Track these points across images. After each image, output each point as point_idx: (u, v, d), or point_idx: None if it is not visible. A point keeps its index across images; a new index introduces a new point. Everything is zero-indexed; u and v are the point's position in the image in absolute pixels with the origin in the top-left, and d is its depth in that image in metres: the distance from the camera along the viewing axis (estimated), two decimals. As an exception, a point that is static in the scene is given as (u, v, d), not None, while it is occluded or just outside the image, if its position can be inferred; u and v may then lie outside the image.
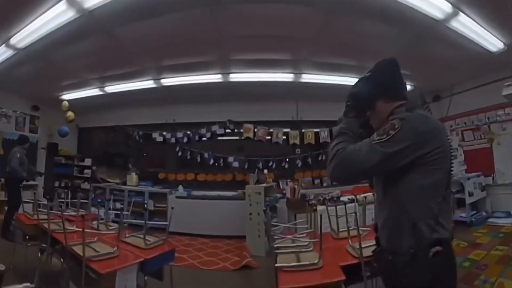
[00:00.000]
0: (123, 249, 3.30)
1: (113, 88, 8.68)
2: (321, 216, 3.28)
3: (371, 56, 6.50)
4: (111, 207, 8.63)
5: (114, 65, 7.28)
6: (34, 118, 9.99)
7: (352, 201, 5.27)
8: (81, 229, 3.07)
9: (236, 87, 8.44)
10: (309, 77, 7.98)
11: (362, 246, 2.64)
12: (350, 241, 3.15)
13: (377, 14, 5.18)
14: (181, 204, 8.23)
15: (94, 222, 4.44)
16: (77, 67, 7.30)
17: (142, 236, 3.69)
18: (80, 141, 11.45)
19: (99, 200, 6.50)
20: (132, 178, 9.47)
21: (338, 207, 4.09)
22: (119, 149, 10.53)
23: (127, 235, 3.88)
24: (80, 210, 5.17)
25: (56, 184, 10.36)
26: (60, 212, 3.61)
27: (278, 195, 7.92)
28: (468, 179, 7.73)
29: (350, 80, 7.72)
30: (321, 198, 5.77)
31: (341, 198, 5.73)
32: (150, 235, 3.87)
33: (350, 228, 3.32)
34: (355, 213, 3.36)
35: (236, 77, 7.90)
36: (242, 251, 6.63)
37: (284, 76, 7.92)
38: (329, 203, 5.05)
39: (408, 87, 7.26)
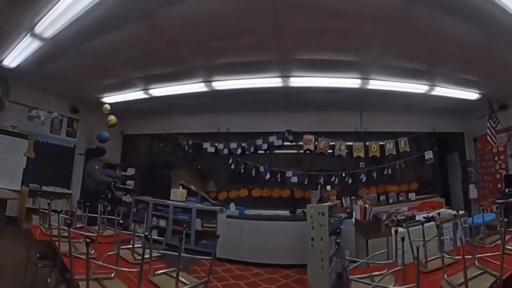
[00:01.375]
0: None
1: (159, 91, 7.90)
2: (403, 240, 2.69)
3: (440, 59, 5.93)
4: (152, 225, 8.29)
5: (159, 61, 6.46)
6: (73, 121, 9.35)
7: (429, 219, 4.75)
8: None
9: (296, 93, 7.62)
10: (376, 83, 7.13)
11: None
12: (445, 275, 2.53)
13: (456, 5, 4.41)
14: (232, 225, 7.59)
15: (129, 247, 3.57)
16: (118, 62, 6.52)
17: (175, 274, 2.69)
18: (124, 149, 10.69)
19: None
20: (177, 192, 8.64)
21: (417, 228, 3.56)
22: (167, 159, 9.88)
23: (156, 272, 2.86)
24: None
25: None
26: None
27: (343, 215, 6.93)
28: None
29: (417, 88, 7.27)
30: (395, 218, 5.07)
31: (417, 217, 5.12)
32: (189, 268, 3.40)
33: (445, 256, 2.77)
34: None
35: (297, 81, 7.01)
36: (302, 286, 5.83)
37: (349, 82, 7.06)
38: (404, 224, 4.43)
39: (476, 95, 7.65)
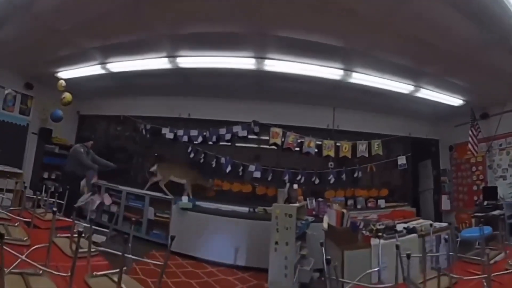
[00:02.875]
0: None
1: (118, 65, 6.97)
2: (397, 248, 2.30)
3: (432, 56, 5.27)
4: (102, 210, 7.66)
5: (118, 26, 5.49)
6: (27, 97, 8.38)
7: (411, 231, 4.54)
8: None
9: (268, 79, 6.81)
10: (359, 77, 6.44)
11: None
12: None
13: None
14: (187, 217, 6.98)
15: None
16: (72, 27, 5.54)
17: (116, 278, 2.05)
18: (80, 130, 9.75)
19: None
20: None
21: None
22: (123, 143, 9.12)
23: (94, 273, 2.22)
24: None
25: (46, 175, 8.76)
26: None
27: (309, 218, 6.23)
28: None
29: (401, 87, 6.76)
30: (373, 228, 4.43)
31: (397, 228, 4.59)
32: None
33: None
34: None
35: (272, 64, 6.16)
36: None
37: (330, 72, 6.31)
38: (385, 235, 4.11)
39: (459, 102, 7.30)
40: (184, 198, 7.18)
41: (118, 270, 2.04)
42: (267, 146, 7.85)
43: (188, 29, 5.38)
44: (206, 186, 7.68)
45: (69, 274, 1.80)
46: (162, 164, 7.82)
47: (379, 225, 4.51)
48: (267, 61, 6.06)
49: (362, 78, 6.41)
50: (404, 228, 4.65)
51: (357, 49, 5.49)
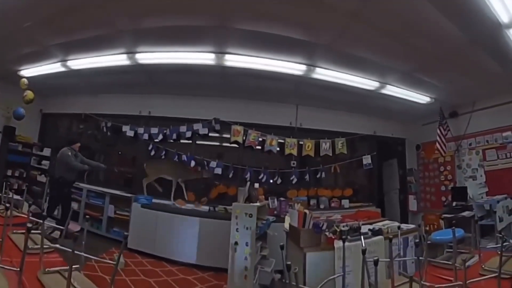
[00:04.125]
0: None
1: (78, 62, 6.68)
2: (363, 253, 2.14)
3: (404, 52, 5.25)
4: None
5: (77, 22, 5.18)
6: (-10, 96, 8.10)
7: (376, 232, 4.33)
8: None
9: (229, 75, 6.54)
10: (322, 73, 6.17)
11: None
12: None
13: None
14: (147, 215, 6.75)
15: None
16: (33, 23, 5.25)
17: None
18: (43, 128, 9.47)
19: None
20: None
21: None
22: (86, 141, 8.61)
23: (47, 270, 2.14)
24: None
25: (9, 173, 8.45)
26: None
27: (271, 218, 5.95)
28: (498, 202, 6.20)
29: (367, 84, 6.50)
30: (337, 229, 4.19)
31: (362, 229, 4.38)
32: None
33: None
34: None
35: (232, 59, 5.91)
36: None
37: (292, 67, 6.03)
38: (349, 237, 3.88)
39: (427, 99, 7.09)
40: (143, 196, 7.07)
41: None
42: (229, 144, 7.62)
43: (148, 24, 5.11)
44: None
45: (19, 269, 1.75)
46: (149, 162, 7.59)
47: (343, 226, 4.27)
48: (228, 56, 5.81)
49: (327, 74, 6.16)
50: (370, 230, 4.41)
51: (322, 43, 5.20)
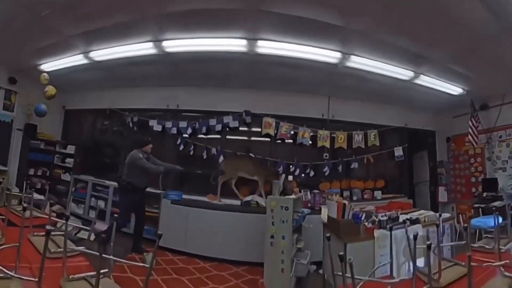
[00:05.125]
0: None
1: (101, 53, 6.26)
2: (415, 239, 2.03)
3: (438, 41, 4.98)
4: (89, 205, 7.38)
5: (99, 9, 4.78)
6: (11, 93, 7.67)
7: (414, 221, 4.26)
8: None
9: (260, 64, 6.04)
10: (357, 61, 5.78)
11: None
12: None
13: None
14: (177, 212, 6.30)
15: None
16: (53, 11, 4.80)
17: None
18: (66, 125, 9.04)
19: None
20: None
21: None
22: (111, 138, 8.44)
23: (71, 277, 1.85)
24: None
25: (32, 172, 8.02)
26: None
27: (305, 210, 5.62)
28: None
29: (401, 73, 6.21)
30: (376, 219, 4.16)
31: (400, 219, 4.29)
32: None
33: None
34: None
35: (265, 46, 5.44)
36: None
37: (327, 54, 5.60)
38: (388, 226, 3.66)
39: (459, 91, 6.88)
40: (173, 192, 6.64)
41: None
42: (259, 138, 7.21)
43: (175, 7, 4.69)
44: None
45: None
46: (228, 160, 7.01)
47: (382, 216, 4.17)
48: (260, 42, 5.38)
49: (361, 62, 5.77)
50: (407, 219, 4.23)
51: (358, 28, 4.83)
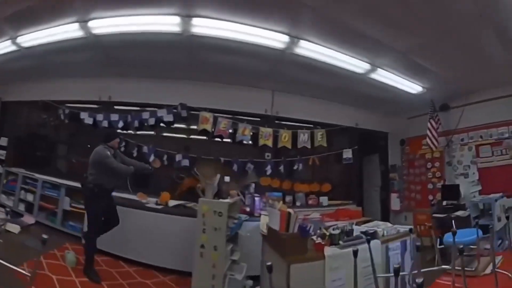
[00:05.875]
0: None
1: (29, 38, 5.46)
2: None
3: (408, 27, 4.36)
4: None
5: None
6: None
7: (372, 236, 3.26)
8: None
9: (198, 47, 5.24)
10: (307, 47, 4.99)
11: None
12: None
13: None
14: None
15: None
16: None
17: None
18: (3, 118, 8.12)
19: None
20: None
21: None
22: (44, 131, 7.65)
23: None
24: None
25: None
26: None
27: (243, 216, 4.84)
28: (496, 200, 5.72)
29: (356, 64, 5.50)
30: (327, 232, 3.29)
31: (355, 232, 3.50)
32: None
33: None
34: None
35: (201, 23, 4.63)
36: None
37: (273, 36, 4.79)
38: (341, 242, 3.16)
39: (419, 89, 6.34)
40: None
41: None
42: (196, 137, 6.52)
43: None
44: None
45: None
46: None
47: (333, 229, 3.33)
48: (195, 20, 4.57)
49: (311, 48, 4.99)
50: (363, 232, 3.39)
51: (311, 4, 4.01)
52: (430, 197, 7.00)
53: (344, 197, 7.15)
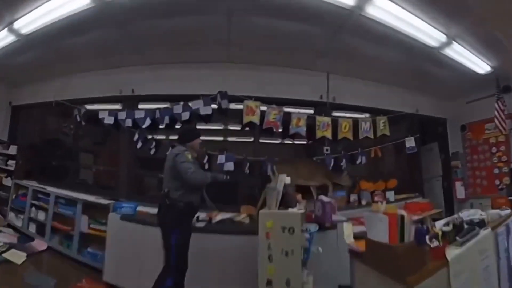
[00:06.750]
0: None
1: (25, 21, 4.25)
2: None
3: None
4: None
5: None
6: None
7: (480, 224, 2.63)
8: None
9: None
10: (382, 5, 3.70)
11: None
12: None
13: None
14: (129, 231, 4.23)
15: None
16: None
17: None
18: (14, 124, 6.96)
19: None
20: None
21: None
22: (58, 135, 6.58)
23: None
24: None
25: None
26: None
27: (312, 227, 3.32)
28: None
29: (430, 34, 4.32)
30: (439, 232, 2.32)
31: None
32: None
33: None
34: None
35: None
36: None
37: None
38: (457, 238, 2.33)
39: (487, 69, 5.34)
40: (122, 203, 4.59)
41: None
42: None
43: None
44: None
45: None
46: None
47: (444, 225, 2.49)
48: None
49: (386, 7, 3.71)
50: (468, 223, 2.64)
51: None
52: (497, 182, 6.17)
53: (408, 189, 6.10)
